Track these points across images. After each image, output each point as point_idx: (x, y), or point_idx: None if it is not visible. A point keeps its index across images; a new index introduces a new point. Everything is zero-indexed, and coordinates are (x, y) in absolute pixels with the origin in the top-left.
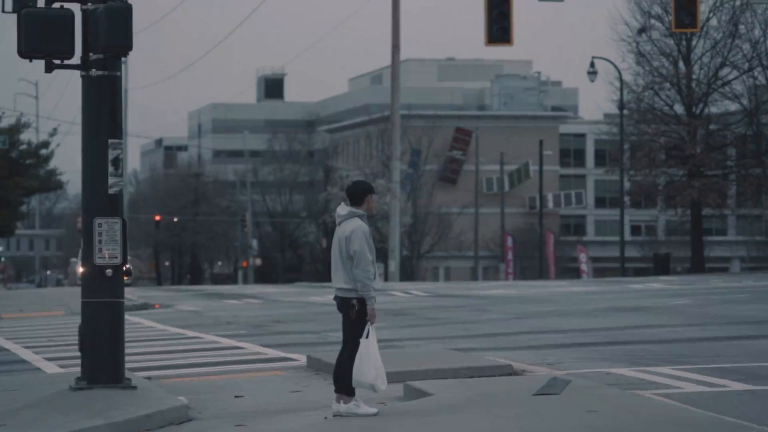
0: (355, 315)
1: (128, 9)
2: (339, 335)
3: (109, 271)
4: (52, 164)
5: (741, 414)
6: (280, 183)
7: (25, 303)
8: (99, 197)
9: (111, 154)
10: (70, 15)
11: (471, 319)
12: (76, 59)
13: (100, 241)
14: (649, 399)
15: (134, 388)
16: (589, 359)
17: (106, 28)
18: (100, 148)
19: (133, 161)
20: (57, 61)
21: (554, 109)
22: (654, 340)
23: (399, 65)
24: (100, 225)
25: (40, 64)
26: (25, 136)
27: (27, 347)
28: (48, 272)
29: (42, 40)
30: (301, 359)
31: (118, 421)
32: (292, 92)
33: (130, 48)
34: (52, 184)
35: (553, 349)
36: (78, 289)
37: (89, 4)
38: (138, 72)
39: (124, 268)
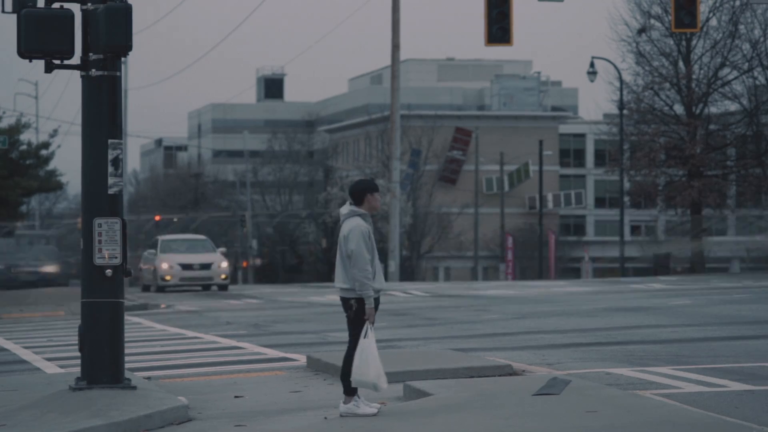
0: (353, 315)
1: (128, 9)
2: (339, 335)
3: (108, 271)
4: (52, 165)
5: (741, 414)
6: (279, 183)
7: (25, 303)
8: (99, 197)
9: (111, 154)
10: (70, 15)
11: (471, 319)
12: (76, 59)
13: (99, 242)
14: (649, 399)
15: (134, 388)
16: (589, 359)
17: (106, 28)
18: (100, 148)
19: (133, 161)
20: (57, 61)
21: (554, 109)
22: (654, 340)
23: (399, 65)
24: (99, 225)
25: (40, 64)
26: (25, 137)
27: (27, 347)
28: None
29: (42, 40)
30: (301, 359)
31: (118, 421)
32: (292, 92)
33: (130, 48)
34: (52, 184)
35: (553, 349)
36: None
37: (89, 4)
38: (138, 72)
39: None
